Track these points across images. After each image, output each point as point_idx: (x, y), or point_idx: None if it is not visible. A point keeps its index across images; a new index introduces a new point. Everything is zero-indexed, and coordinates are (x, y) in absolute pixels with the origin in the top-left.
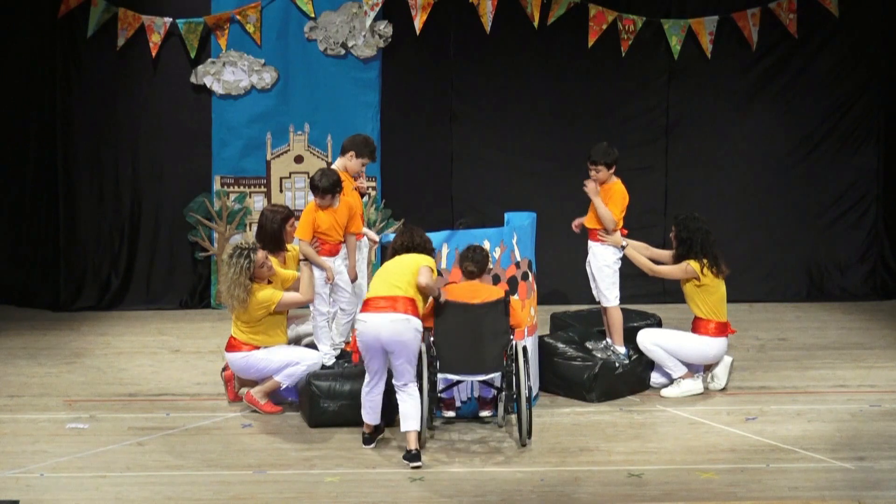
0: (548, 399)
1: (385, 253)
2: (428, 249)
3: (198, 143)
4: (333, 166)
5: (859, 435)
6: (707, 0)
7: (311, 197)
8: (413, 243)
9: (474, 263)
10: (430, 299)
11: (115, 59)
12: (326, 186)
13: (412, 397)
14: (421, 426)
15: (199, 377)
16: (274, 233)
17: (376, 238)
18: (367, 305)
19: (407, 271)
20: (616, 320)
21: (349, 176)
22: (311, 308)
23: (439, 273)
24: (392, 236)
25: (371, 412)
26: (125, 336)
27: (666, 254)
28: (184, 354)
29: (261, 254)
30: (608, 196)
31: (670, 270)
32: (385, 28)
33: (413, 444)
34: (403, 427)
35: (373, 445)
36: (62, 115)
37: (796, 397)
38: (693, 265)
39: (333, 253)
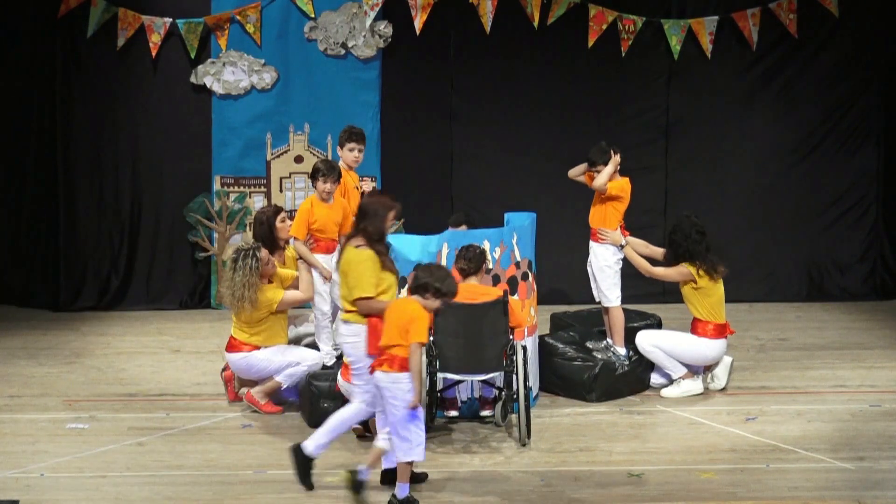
0: (548, 399)
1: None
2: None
3: (198, 143)
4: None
5: (859, 435)
6: (707, 0)
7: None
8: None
9: (466, 261)
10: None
11: (115, 59)
12: (329, 168)
13: None
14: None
15: (199, 377)
16: (266, 233)
17: None
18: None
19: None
20: (618, 321)
21: (352, 173)
22: (312, 307)
23: None
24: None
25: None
26: (125, 336)
27: (661, 252)
28: (184, 354)
29: (264, 251)
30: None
31: (666, 272)
32: (385, 28)
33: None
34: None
35: (361, 427)
36: (62, 114)
37: (796, 397)
38: (689, 268)
39: (329, 250)
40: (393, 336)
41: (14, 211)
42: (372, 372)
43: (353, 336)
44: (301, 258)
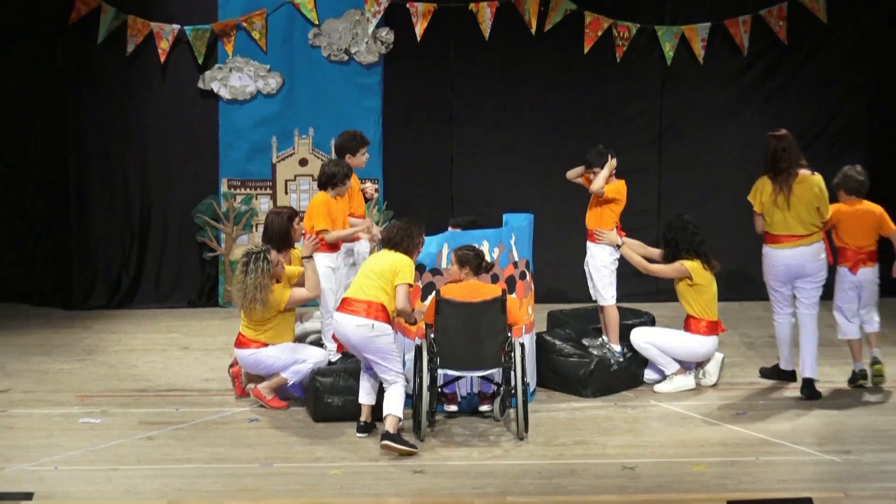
0: (545, 394)
1: None
2: (408, 249)
3: (205, 146)
4: None
5: (845, 429)
6: (699, 7)
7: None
8: (392, 241)
9: (459, 263)
10: (432, 297)
11: (124, 64)
12: (347, 172)
13: (394, 389)
14: (420, 420)
15: (208, 373)
16: (282, 230)
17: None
18: (342, 304)
19: (384, 277)
20: (612, 319)
21: (354, 175)
22: (319, 306)
23: (439, 272)
24: None
25: (366, 393)
26: (136, 334)
27: (658, 252)
28: (192, 351)
29: (274, 253)
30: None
31: (663, 269)
32: (387, 35)
33: (388, 426)
34: (384, 411)
35: (366, 435)
36: (73, 119)
37: (784, 393)
38: (687, 265)
39: (335, 248)
40: (870, 238)
41: (28, 215)
42: (855, 271)
43: (822, 252)
44: (307, 257)
